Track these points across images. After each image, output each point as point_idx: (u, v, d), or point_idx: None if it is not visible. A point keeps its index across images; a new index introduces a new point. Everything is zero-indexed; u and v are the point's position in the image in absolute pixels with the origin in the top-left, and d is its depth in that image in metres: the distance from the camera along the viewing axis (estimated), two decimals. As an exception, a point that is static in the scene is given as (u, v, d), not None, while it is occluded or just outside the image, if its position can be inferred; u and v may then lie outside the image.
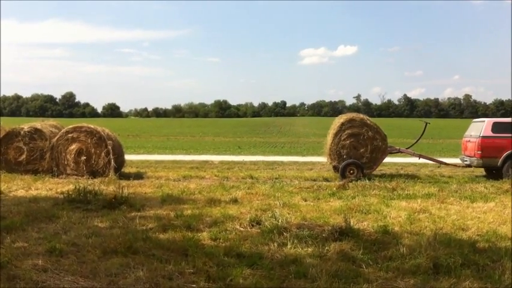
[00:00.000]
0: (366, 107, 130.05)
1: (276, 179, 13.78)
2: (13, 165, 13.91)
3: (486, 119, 14.36)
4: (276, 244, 5.98)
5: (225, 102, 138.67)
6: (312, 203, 9.29)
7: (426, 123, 16.00)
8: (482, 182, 12.80)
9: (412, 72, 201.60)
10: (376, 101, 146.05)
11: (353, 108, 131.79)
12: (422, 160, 15.74)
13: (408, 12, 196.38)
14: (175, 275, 4.87)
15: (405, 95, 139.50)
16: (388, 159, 18.76)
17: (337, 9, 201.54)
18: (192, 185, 11.63)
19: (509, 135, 13.64)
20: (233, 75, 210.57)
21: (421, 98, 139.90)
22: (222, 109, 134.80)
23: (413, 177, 14.22)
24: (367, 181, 12.47)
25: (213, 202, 9.08)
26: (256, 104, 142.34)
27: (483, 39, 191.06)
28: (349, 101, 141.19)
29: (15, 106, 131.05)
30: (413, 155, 15.26)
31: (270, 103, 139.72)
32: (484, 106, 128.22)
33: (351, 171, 13.50)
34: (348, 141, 13.94)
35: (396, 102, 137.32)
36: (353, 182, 12.35)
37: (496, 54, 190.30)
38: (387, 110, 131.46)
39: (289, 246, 5.88)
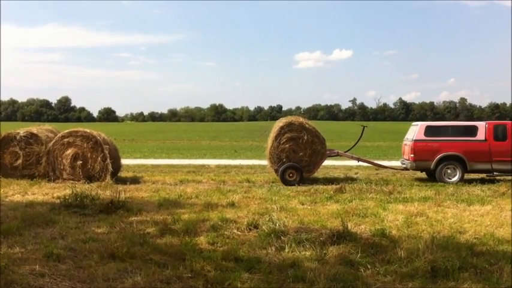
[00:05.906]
0: (362, 111, 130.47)
1: (273, 182, 13.77)
2: (9, 170, 13.84)
3: (420, 123, 14.43)
4: (273, 248, 5.98)
5: (221, 106, 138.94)
6: (309, 207, 9.30)
7: (364, 127, 16.37)
8: (479, 185, 12.82)
9: (407, 76, 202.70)
10: (371, 104, 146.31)
11: (348, 112, 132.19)
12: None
13: (404, 15, 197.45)
14: (173, 279, 4.87)
15: (401, 98, 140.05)
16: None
17: (332, 13, 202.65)
18: (189, 189, 11.61)
19: (442, 138, 13.76)
20: (229, 79, 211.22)
21: (416, 102, 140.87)
22: (218, 113, 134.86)
23: (409, 181, 14.24)
24: (363, 184, 12.47)
25: (210, 206, 9.08)
26: (252, 108, 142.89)
27: (479, 43, 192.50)
28: (345, 104, 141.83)
29: (10, 111, 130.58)
30: (352, 158, 15.36)
31: (266, 107, 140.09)
32: (479, 109, 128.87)
33: (290, 175, 13.52)
34: (287, 145, 13.95)
35: (392, 106, 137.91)
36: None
37: (492, 57, 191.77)
38: (383, 113, 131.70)
39: (287, 250, 5.88)
